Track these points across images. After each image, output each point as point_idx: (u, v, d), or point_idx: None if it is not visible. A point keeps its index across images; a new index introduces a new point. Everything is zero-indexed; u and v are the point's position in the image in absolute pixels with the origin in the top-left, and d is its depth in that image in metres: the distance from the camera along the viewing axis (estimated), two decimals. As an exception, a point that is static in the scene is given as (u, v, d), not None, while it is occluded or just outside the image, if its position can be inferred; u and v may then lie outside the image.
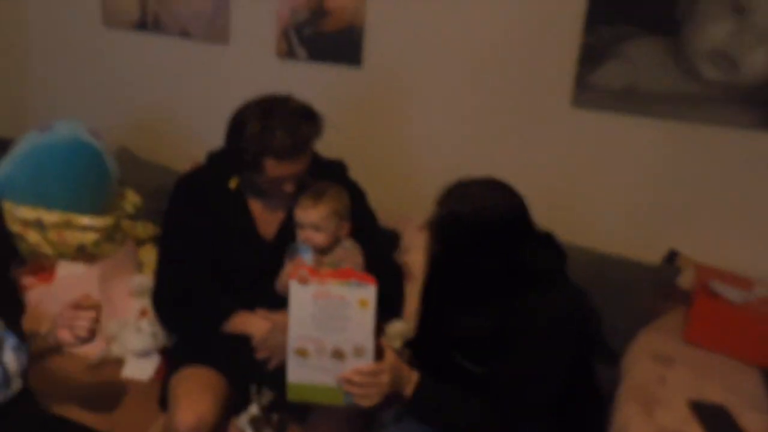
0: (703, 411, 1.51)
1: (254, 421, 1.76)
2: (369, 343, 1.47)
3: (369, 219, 1.97)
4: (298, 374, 1.51)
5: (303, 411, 1.78)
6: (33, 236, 2.01)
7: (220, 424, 1.75)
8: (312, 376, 1.51)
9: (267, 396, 1.78)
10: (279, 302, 1.85)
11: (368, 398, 1.47)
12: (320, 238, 1.76)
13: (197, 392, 1.72)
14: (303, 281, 1.46)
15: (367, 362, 1.48)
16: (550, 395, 1.49)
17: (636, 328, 1.84)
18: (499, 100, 2.29)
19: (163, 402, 1.84)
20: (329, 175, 1.91)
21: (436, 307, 1.67)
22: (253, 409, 1.77)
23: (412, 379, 1.51)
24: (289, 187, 1.78)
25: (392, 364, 1.48)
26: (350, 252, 1.81)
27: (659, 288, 1.95)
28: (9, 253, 2.02)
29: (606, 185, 2.20)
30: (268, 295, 1.85)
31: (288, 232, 1.85)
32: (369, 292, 1.45)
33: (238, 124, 1.77)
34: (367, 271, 1.81)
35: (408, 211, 2.29)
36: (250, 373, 1.79)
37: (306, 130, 1.75)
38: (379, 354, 1.49)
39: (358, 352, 1.47)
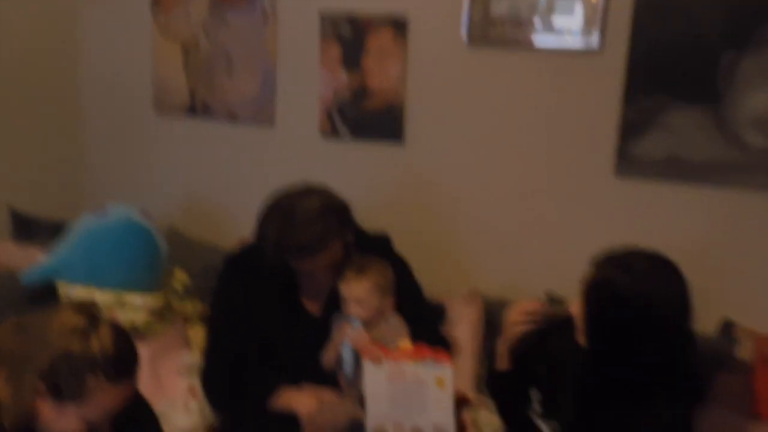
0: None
1: (305, 501, 1.72)
2: (449, 423, 1.43)
3: (415, 292, 1.97)
4: None
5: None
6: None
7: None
8: None
9: (316, 473, 1.74)
10: (326, 377, 1.85)
11: None
12: (363, 312, 1.76)
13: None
14: (377, 361, 1.43)
15: None
16: None
17: (700, 404, 1.76)
18: (541, 175, 2.30)
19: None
20: (374, 248, 1.92)
21: (558, 389, 1.51)
22: (303, 488, 1.73)
23: None
24: (323, 278, 1.80)
25: None
26: (394, 328, 1.80)
27: (717, 360, 1.88)
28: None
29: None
30: (315, 371, 1.84)
31: (334, 306, 1.86)
32: (445, 371, 1.42)
33: (259, 226, 1.79)
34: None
35: (453, 285, 2.28)
36: (297, 451, 1.76)
37: (323, 227, 1.73)
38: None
39: (439, 431, 1.44)
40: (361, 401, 1.75)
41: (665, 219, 2.14)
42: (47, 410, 1.27)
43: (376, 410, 1.46)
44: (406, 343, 1.50)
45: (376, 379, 1.45)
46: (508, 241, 2.37)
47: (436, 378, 1.42)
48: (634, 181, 2.16)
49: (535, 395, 1.57)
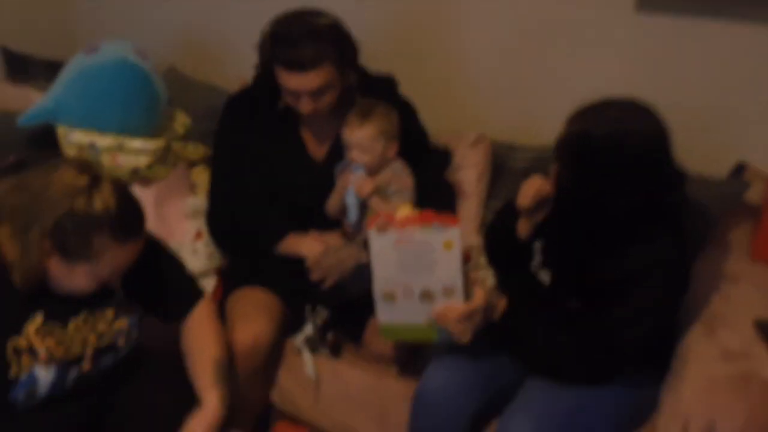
0: (769, 331, 1.46)
1: (309, 341, 1.79)
2: (458, 283, 1.44)
3: (419, 136, 1.93)
4: (387, 316, 1.51)
5: (358, 329, 1.80)
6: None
7: (277, 344, 1.78)
8: (402, 316, 1.50)
9: (321, 315, 1.80)
10: (331, 223, 1.86)
11: (463, 335, 1.45)
12: (367, 159, 1.73)
13: (253, 313, 1.75)
14: (382, 229, 1.42)
15: (457, 301, 1.45)
16: (644, 341, 1.44)
17: (701, 246, 1.77)
18: (556, 11, 2.15)
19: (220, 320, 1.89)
20: (378, 91, 1.85)
21: (556, 240, 1.55)
22: (308, 329, 1.79)
23: (499, 306, 1.48)
24: (304, 105, 1.72)
25: (484, 305, 1.44)
26: (399, 174, 1.78)
27: (725, 203, 1.86)
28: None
29: (670, 94, 2.07)
30: (320, 216, 1.85)
31: (338, 152, 1.82)
32: (453, 234, 1.40)
33: (261, 36, 1.75)
34: (419, 191, 1.79)
35: (460, 127, 2.22)
36: (304, 293, 1.80)
37: (314, 47, 1.66)
38: (468, 291, 1.45)
39: (448, 292, 1.45)
40: (365, 245, 1.77)
41: (686, 56, 2.03)
42: (56, 267, 1.28)
43: (383, 275, 1.46)
44: (405, 208, 1.48)
45: (382, 246, 1.44)
46: (518, 82, 2.27)
47: (443, 241, 1.41)
48: (655, 15, 2.03)
49: (537, 247, 1.57)
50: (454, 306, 1.44)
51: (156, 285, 1.49)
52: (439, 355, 1.60)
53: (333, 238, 1.82)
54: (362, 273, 1.74)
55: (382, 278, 1.47)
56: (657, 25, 2.04)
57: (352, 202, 1.77)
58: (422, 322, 1.50)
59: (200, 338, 1.52)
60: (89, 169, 1.28)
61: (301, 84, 1.69)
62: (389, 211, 1.72)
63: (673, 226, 1.43)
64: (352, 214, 1.78)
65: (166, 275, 1.52)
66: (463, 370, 1.55)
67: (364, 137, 1.71)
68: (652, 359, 1.55)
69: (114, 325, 1.43)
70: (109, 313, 1.42)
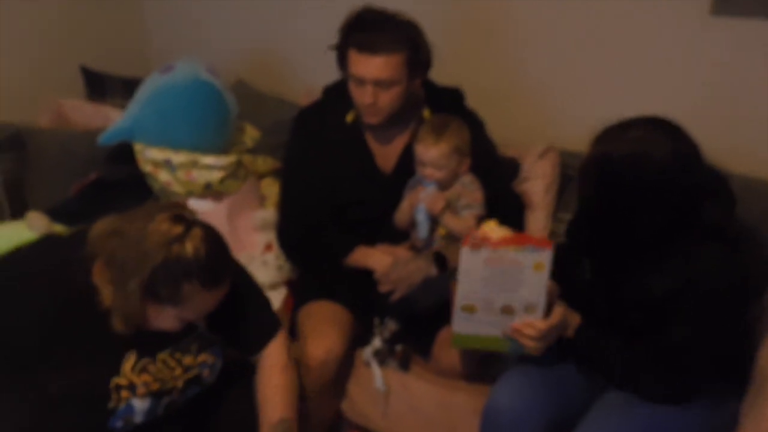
0: None
1: (378, 353, 1.80)
2: (541, 301, 1.44)
3: (488, 149, 1.91)
4: (463, 327, 1.52)
5: (426, 343, 1.80)
6: (163, 176, 2.10)
7: (347, 357, 1.80)
8: (477, 328, 1.51)
9: (390, 328, 1.81)
10: (399, 235, 1.86)
11: (536, 349, 1.47)
12: (441, 175, 1.73)
13: (324, 327, 1.77)
14: (475, 247, 1.43)
15: (536, 317, 1.45)
16: (713, 356, 1.42)
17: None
18: (631, 15, 2.10)
19: (291, 332, 1.92)
20: (445, 103, 1.85)
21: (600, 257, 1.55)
22: (377, 342, 1.81)
23: (573, 322, 1.48)
24: (367, 96, 1.73)
25: (562, 322, 1.46)
26: (469, 188, 1.78)
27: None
28: (145, 193, 2.13)
29: (744, 98, 2.00)
30: (388, 229, 1.86)
31: (406, 164, 1.83)
32: (545, 257, 1.40)
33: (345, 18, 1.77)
34: (487, 204, 1.78)
35: (527, 138, 2.19)
36: (373, 306, 1.82)
37: (390, 34, 1.69)
38: (547, 307, 1.46)
39: (529, 309, 1.46)
40: (435, 261, 1.77)
41: (761, 58, 1.95)
42: (148, 310, 1.34)
43: (467, 290, 1.47)
44: (492, 224, 1.48)
45: (472, 262, 1.44)
46: (589, 88, 2.22)
47: (534, 263, 1.41)
48: (731, 19, 1.96)
49: (587, 263, 1.57)
50: (533, 322, 1.45)
51: (237, 318, 1.53)
52: (509, 370, 1.59)
53: (402, 251, 1.83)
54: (431, 286, 1.75)
55: (465, 294, 1.47)
56: (732, 28, 1.97)
57: (422, 218, 1.77)
58: (497, 334, 1.49)
59: (267, 393, 1.54)
60: (183, 218, 1.33)
61: (368, 68, 1.70)
62: (461, 225, 1.72)
63: (716, 235, 1.40)
64: (423, 230, 1.78)
65: (246, 308, 1.55)
66: (532, 387, 1.53)
67: (440, 155, 1.71)
68: (727, 374, 1.51)
69: (198, 358, 1.48)
70: (194, 346, 1.48)
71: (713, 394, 1.48)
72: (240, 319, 1.53)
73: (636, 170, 1.34)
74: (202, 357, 1.49)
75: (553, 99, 2.29)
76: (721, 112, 2.03)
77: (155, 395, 1.43)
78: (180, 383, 1.46)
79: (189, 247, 1.29)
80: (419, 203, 1.76)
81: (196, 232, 1.31)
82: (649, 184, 1.34)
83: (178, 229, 1.29)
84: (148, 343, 1.41)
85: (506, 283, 1.43)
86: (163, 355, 1.44)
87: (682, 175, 1.35)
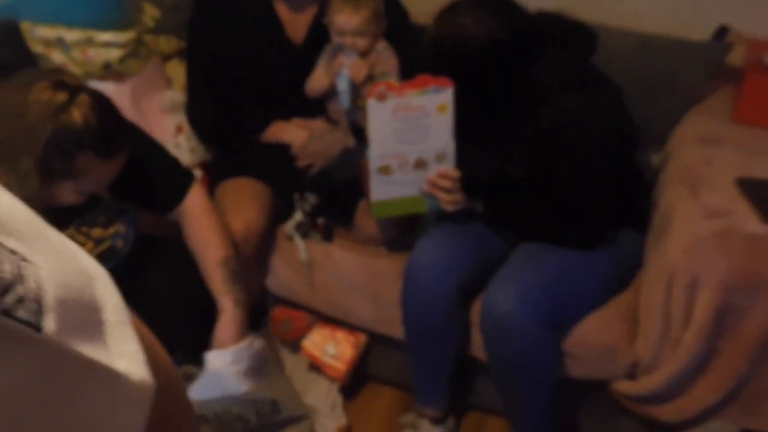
0: (751, 187, 1.50)
1: (300, 227, 1.81)
2: (450, 147, 1.48)
3: (400, 17, 1.87)
4: (381, 192, 1.53)
5: (347, 213, 1.82)
6: (57, 56, 1.96)
7: (269, 232, 1.80)
8: (395, 190, 1.53)
9: (310, 201, 1.81)
10: (314, 109, 1.83)
11: (452, 203, 1.52)
12: (363, 43, 1.70)
13: (243, 202, 1.75)
14: (382, 97, 1.42)
15: (449, 164, 1.50)
16: (607, 191, 1.50)
17: (683, 111, 1.78)
18: None
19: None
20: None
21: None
22: (298, 216, 1.81)
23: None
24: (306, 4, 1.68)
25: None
26: (383, 55, 1.75)
27: (707, 67, 1.86)
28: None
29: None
30: (302, 102, 1.82)
31: (317, 35, 1.78)
32: (447, 96, 1.43)
33: None
34: (402, 73, 1.76)
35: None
36: (292, 181, 1.80)
37: None
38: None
39: (440, 157, 1.49)
40: (352, 131, 1.76)
41: None
42: (45, 188, 1.26)
43: (381, 150, 1.48)
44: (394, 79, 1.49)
45: (380, 116, 1.46)
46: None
47: (438, 105, 1.44)
48: None
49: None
50: (446, 171, 1.49)
51: (144, 178, 1.48)
52: (428, 231, 1.64)
53: (317, 124, 1.81)
54: (350, 157, 1.74)
55: (378, 153, 1.49)
56: None
57: (344, 87, 1.73)
58: (414, 193, 1.52)
59: (201, 236, 1.53)
60: (65, 84, 1.22)
61: None
62: None
63: (580, 83, 1.49)
64: (345, 100, 1.76)
65: (151, 165, 1.50)
66: (450, 245, 1.59)
67: (361, 22, 1.67)
68: (630, 220, 1.61)
69: (109, 230, 1.42)
70: (102, 218, 1.41)
71: (620, 240, 1.58)
72: (149, 180, 1.48)
73: (463, 50, 1.44)
74: (113, 228, 1.43)
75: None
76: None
77: None
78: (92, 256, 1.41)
79: (77, 115, 1.20)
80: (341, 71, 1.72)
81: (83, 98, 1.22)
82: (476, 61, 1.45)
83: (62, 97, 1.20)
84: (51, 221, 1.34)
85: (415, 132, 1.46)
86: (69, 231, 1.37)
87: (504, 51, 1.45)
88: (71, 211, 1.36)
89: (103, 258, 1.43)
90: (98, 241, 1.41)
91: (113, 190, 1.40)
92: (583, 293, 1.56)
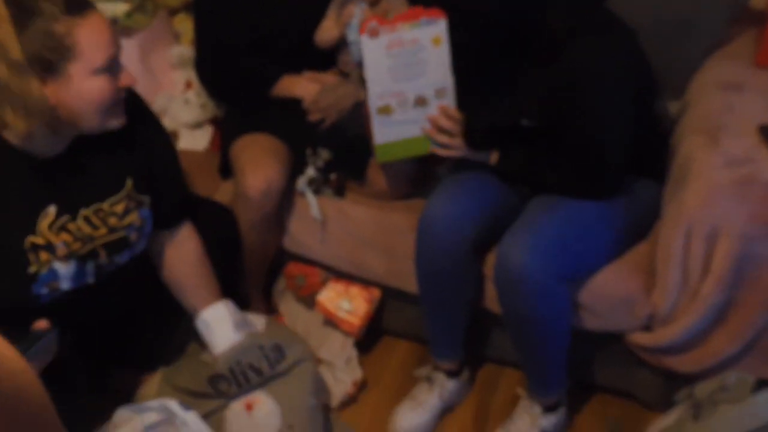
0: (774, 135, 1.46)
1: (312, 182, 1.79)
2: (449, 81, 1.47)
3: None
4: (384, 134, 1.52)
5: (360, 168, 1.80)
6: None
7: (287, 188, 1.78)
8: (397, 131, 1.52)
9: (323, 157, 1.79)
10: (325, 63, 1.80)
11: (453, 149, 1.51)
12: None
13: (262, 157, 1.73)
14: (374, 33, 1.41)
15: (449, 102, 1.48)
16: (624, 136, 1.47)
17: (704, 57, 1.72)
18: None
19: (224, 170, 1.88)
20: None
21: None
22: (310, 171, 1.79)
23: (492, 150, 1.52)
24: None
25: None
26: (394, 3, 1.70)
27: (729, 11, 1.79)
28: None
29: None
30: (313, 55, 1.79)
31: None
32: (440, 28, 1.42)
33: None
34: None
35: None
36: (303, 135, 1.78)
37: None
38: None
39: (440, 93, 1.48)
40: (363, 83, 1.72)
41: None
42: (61, 95, 1.19)
43: (379, 89, 1.47)
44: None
45: (375, 53, 1.45)
46: None
47: (432, 38, 1.43)
48: None
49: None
50: (447, 109, 1.48)
51: (160, 185, 1.45)
52: (441, 183, 1.62)
53: (329, 77, 1.77)
54: (361, 111, 1.72)
55: (376, 92, 1.48)
56: None
57: (355, 38, 1.69)
58: (417, 134, 1.51)
59: (192, 255, 1.53)
60: None
61: None
62: None
63: (593, 28, 1.46)
64: (356, 52, 1.72)
65: (168, 178, 1.49)
66: (464, 197, 1.57)
67: None
68: (648, 170, 1.58)
69: (125, 220, 1.38)
70: (120, 206, 1.37)
71: (637, 190, 1.55)
72: (162, 187, 1.46)
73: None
74: (130, 218, 1.39)
75: None
76: None
77: (79, 258, 1.34)
78: (103, 243, 1.37)
79: None
80: (351, 21, 1.68)
81: None
82: (487, 9, 1.41)
83: None
84: (70, 196, 1.31)
85: (412, 68, 1.45)
86: (86, 212, 1.34)
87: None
88: (92, 189, 1.34)
89: (115, 247, 1.40)
90: (112, 230, 1.38)
91: (136, 178, 1.39)
92: (599, 245, 1.54)
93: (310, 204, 1.79)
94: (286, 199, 1.82)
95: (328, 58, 1.81)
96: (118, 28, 2.00)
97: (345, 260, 1.82)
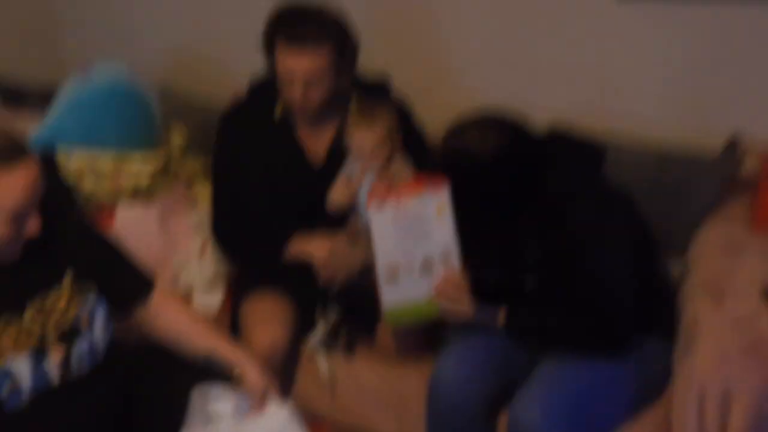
0: (777, 297, 1.49)
1: (323, 341, 1.81)
2: (453, 245, 1.51)
3: (418, 137, 1.93)
4: (392, 301, 1.56)
5: (369, 326, 1.82)
6: (88, 184, 2.05)
7: (292, 347, 1.79)
8: (405, 297, 1.56)
9: (333, 315, 1.81)
10: (335, 223, 1.87)
11: (459, 313, 1.54)
12: (380, 158, 1.74)
13: (268, 318, 1.77)
14: (380, 206, 1.47)
15: (454, 263, 1.53)
16: (628, 292, 1.50)
17: (701, 221, 1.79)
18: (540, 4, 2.19)
19: (233, 327, 1.90)
20: (373, 95, 1.87)
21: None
22: (321, 330, 1.81)
23: (500, 313, 1.54)
24: (296, 92, 1.73)
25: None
26: (401, 166, 1.79)
27: (722, 178, 1.89)
28: (71, 207, 2.04)
29: (656, 77, 2.11)
30: (323, 220, 1.86)
31: (336, 155, 1.84)
32: (443, 198, 1.49)
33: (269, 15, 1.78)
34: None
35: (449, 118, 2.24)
36: (314, 294, 1.82)
37: (318, 27, 1.70)
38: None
39: (445, 256, 1.53)
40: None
41: (668, 41, 2.06)
42: None
43: (386, 260, 1.53)
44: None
45: (381, 226, 1.53)
46: (507, 72, 2.30)
47: (436, 207, 1.50)
48: (635, 4, 2.06)
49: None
50: (452, 276, 1.53)
51: (107, 267, 1.48)
52: (451, 343, 1.63)
53: (339, 240, 1.83)
54: (371, 271, 1.76)
55: (384, 263, 1.52)
56: (636, 12, 2.06)
57: (364, 202, 1.77)
58: (424, 296, 1.54)
59: (180, 313, 1.54)
60: None
61: (297, 64, 1.70)
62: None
63: (591, 194, 1.54)
64: (365, 215, 1.78)
65: (116, 259, 1.52)
66: (473, 358, 1.58)
67: (377, 139, 1.72)
68: (657, 329, 1.60)
69: (71, 307, 1.39)
70: (63, 295, 1.39)
71: (647, 350, 1.56)
72: (111, 268, 1.48)
73: (471, 166, 1.49)
74: (74, 305, 1.39)
75: (472, 85, 2.35)
76: (627, 86, 2.14)
77: (33, 354, 1.33)
78: (52, 336, 1.36)
79: None
80: (362, 186, 1.76)
81: None
82: (485, 177, 1.50)
83: None
84: (11, 296, 1.33)
85: (417, 237, 1.51)
86: (31, 311, 1.35)
87: (511, 167, 1.50)
88: (31, 286, 1.35)
89: (66, 336, 1.39)
90: (60, 319, 1.38)
91: (76, 266, 1.40)
92: (612, 407, 1.52)
93: (320, 362, 1.79)
94: (295, 357, 1.83)
95: (338, 218, 1.88)
96: (140, 196, 2.10)
97: (355, 419, 1.81)
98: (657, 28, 2.08)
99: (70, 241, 1.44)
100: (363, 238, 1.80)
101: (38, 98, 2.51)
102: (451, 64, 2.38)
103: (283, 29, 1.72)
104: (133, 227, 2.03)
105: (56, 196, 1.99)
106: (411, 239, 1.51)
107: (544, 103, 2.14)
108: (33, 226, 1.31)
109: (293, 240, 1.84)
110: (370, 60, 1.91)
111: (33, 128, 2.22)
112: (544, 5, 2.19)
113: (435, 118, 2.08)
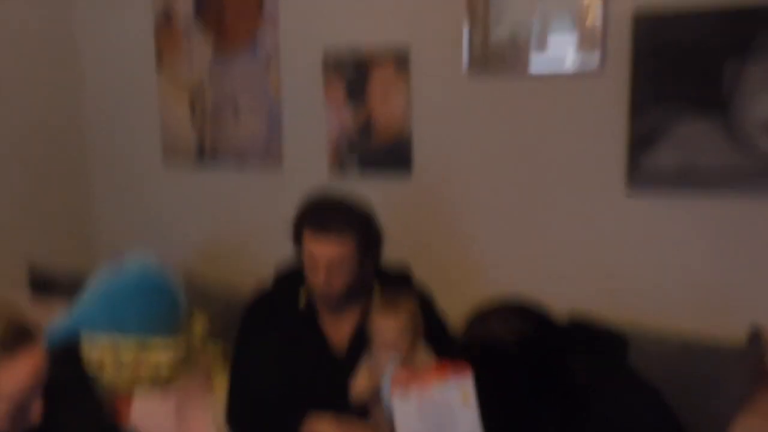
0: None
1: None
2: (478, 430, 1.47)
3: (440, 324, 1.94)
4: None
5: None
6: (108, 374, 2.05)
7: None
8: None
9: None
10: (353, 412, 1.82)
11: None
12: (403, 349, 1.73)
13: None
14: (404, 393, 1.46)
15: None
16: None
17: (731, 414, 1.74)
18: (553, 198, 2.30)
19: None
20: (394, 283, 1.90)
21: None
22: None
23: None
24: (320, 276, 1.78)
25: None
26: (424, 355, 1.77)
27: (749, 371, 1.85)
28: (89, 398, 2.03)
29: (672, 266, 2.15)
30: (345, 411, 1.82)
31: (359, 345, 1.84)
32: (467, 384, 1.47)
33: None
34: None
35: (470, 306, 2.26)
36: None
37: (343, 218, 1.79)
38: None
39: None
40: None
41: (680, 233, 2.13)
42: None
43: None
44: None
45: (406, 413, 1.50)
46: (523, 265, 2.35)
47: (461, 396, 1.47)
48: (645, 197, 2.15)
49: None
50: None
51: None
52: None
53: (359, 427, 1.78)
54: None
55: None
56: (647, 205, 2.15)
57: (387, 392, 1.73)
58: None
59: None
60: None
61: (321, 250, 1.76)
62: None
63: (614, 385, 1.55)
64: (388, 406, 1.74)
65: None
66: None
67: (400, 329, 1.72)
68: None
69: None
70: None
71: None
72: None
73: (493, 353, 1.54)
74: None
75: (491, 276, 2.40)
76: (645, 279, 2.17)
77: None
78: None
79: None
80: (385, 375, 1.74)
81: None
82: (507, 364, 1.53)
83: None
84: None
85: (443, 424, 1.47)
86: None
87: (533, 355, 1.54)
88: None
89: None
90: None
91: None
92: None
93: None
94: None
95: (362, 408, 1.83)
96: (160, 383, 2.08)
97: None
98: (667, 220, 2.14)
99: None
100: (385, 428, 1.75)
101: (68, 286, 2.59)
102: (470, 255, 2.45)
103: (311, 218, 1.81)
104: (150, 418, 1.99)
105: (72, 386, 2.02)
106: (436, 428, 1.47)
107: (563, 293, 2.18)
108: (36, 412, 1.30)
109: (306, 421, 1.79)
110: (392, 250, 1.98)
111: (59, 316, 2.27)
112: (558, 199, 2.29)
113: (455, 307, 2.12)
